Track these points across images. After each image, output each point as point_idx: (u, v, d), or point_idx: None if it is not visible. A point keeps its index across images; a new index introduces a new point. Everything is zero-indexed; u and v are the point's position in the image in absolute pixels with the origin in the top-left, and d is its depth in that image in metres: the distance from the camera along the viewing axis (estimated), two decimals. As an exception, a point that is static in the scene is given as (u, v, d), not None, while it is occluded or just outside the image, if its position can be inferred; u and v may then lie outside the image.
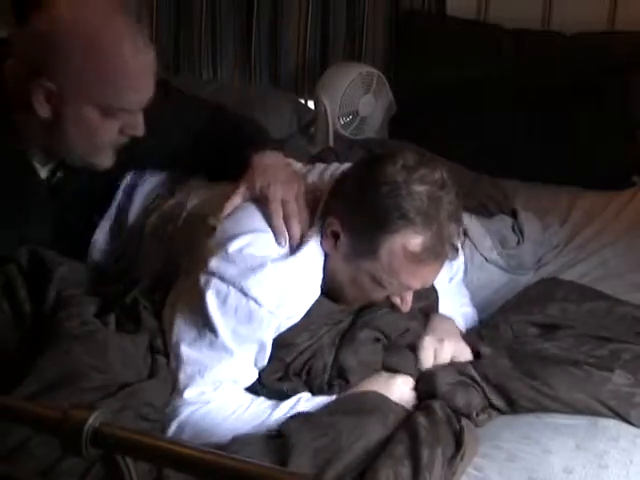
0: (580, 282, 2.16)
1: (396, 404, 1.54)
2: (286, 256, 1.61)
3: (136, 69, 1.52)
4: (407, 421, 1.46)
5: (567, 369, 1.57)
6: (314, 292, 1.63)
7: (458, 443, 1.42)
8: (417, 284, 1.64)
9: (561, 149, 2.73)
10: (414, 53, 3.07)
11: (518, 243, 2.20)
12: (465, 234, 2.06)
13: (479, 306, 1.97)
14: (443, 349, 1.66)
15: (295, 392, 1.58)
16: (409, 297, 1.68)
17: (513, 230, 2.23)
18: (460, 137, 2.79)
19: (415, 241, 1.56)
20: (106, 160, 1.65)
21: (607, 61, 2.79)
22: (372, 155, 1.79)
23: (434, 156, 2.27)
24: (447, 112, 2.86)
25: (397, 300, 1.68)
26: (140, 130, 1.60)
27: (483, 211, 2.23)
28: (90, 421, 0.89)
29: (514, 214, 2.30)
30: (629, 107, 2.71)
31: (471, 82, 2.89)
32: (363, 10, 3.20)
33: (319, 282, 1.63)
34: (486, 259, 2.10)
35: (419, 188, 1.56)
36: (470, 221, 2.11)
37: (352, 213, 1.61)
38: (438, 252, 1.59)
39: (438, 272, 1.65)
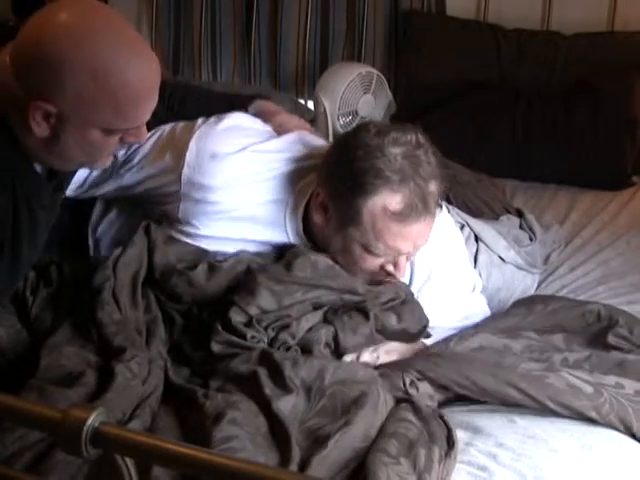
0: (580, 283, 2.17)
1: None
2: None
3: (140, 89, 1.42)
4: (395, 415, 1.43)
5: (479, 358, 1.56)
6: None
7: (450, 441, 1.40)
8: (405, 246, 1.64)
9: (561, 149, 2.73)
10: (414, 53, 3.06)
11: (531, 240, 2.20)
12: (477, 239, 2.07)
13: (500, 306, 1.98)
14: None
15: (258, 341, 1.55)
16: (402, 263, 1.68)
17: (521, 229, 2.23)
18: (460, 137, 2.79)
19: (394, 199, 1.60)
20: (104, 164, 1.62)
21: (607, 61, 2.79)
22: (351, 128, 1.85)
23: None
24: (447, 112, 2.86)
25: (390, 267, 1.68)
26: (143, 138, 1.54)
27: (490, 213, 2.22)
28: (90, 421, 0.89)
29: (519, 213, 2.30)
30: (629, 107, 2.71)
31: (471, 82, 2.89)
32: (363, 10, 3.19)
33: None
34: (503, 260, 2.09)
35: (394, 150, 1.60)
36: (479, 224, 2.11)
37: (334, 182, 1.67)
38: (420, 210, 1.60)
39: (426, 232, 1.66)
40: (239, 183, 1.73)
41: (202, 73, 3.46)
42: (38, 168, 1.56)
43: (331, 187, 1.67)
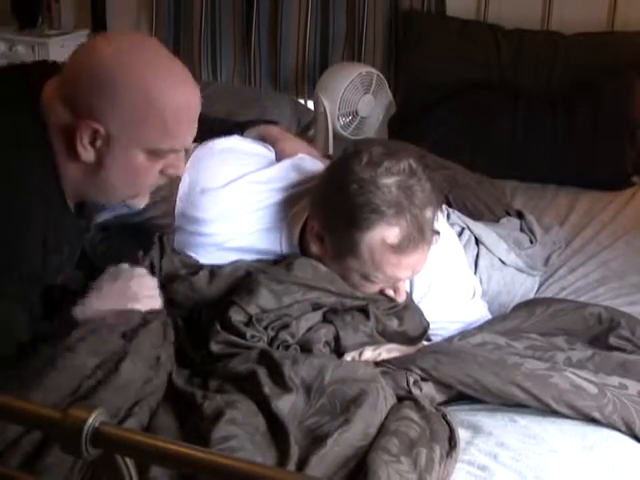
0: (580, 284, 2.17)
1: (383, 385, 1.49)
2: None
3: (186, 110, 1.49)
4: (397, 413, 1.43)
5: (482, 354, 1.55)
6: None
7: (451, 441, 1.39)
8: (404, 274, 1.66)
9: (561, 149, 2.73)
10: (414, 53, 3.06)
11: (531, 243, 2.20)
12: (478, 242, 2.07)
13: (501, 309, 1.98)
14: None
15: (258, 340, 1.55)
16: (402, 287, 1.70)
17: (522, 231, 2.23)
18: (460, 137, 2.79)
19: (392, 233, 1.59)
20: (143, 201, 1.60)
21: (607, 61, 2.79)
22: (341, 156, 1.82)
23: (436, 157, 2.28)
24: (447, 112, 2.86)
25: (390, 292, 1.70)
26: (181, 170, 1.56)
27: (490, 215, 2.22)
28: (90, 421, 0.89)
29: (520, 215, 2.29)
30: (629, 107, 2.71)
31: (471, 82, 2.89)
32: (363, 10, 3.20)
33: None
34: (504, 262, 2.09)
35: (387, 180, 1.59)
36: (480, 227, 2.10)
37: (328, 215, 1.66)
38: (417, 240, 1.61)
39: (423, 259, 1.66)
40: (233, 214, 1.73)
41: (202, 73, 3.46)
42: (71, 205, 1.58)
43: (326, 220, 1.67)
